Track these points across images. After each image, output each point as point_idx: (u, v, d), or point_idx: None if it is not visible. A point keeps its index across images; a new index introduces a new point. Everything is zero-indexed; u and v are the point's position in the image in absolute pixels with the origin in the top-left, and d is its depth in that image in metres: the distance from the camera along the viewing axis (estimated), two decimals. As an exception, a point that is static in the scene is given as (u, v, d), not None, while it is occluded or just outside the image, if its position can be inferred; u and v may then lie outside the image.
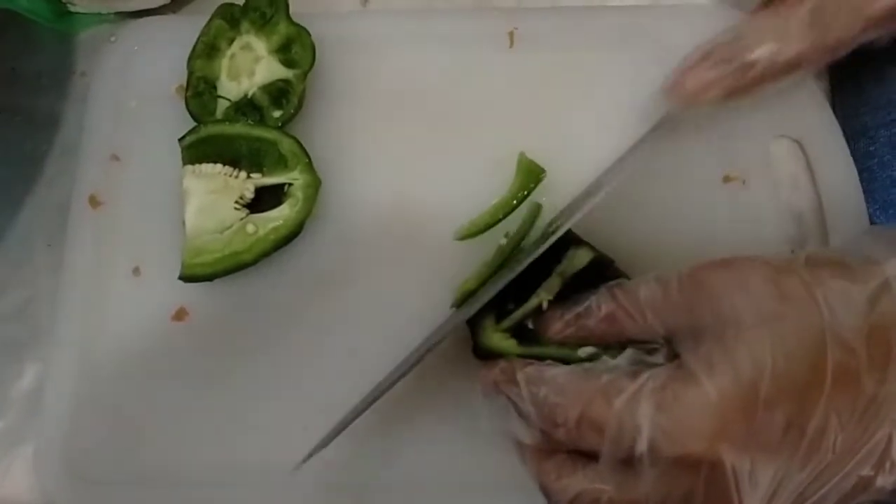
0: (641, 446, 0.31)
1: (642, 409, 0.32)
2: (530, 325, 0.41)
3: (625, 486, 0.33)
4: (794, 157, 0.49)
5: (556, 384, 0.35)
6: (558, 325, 0.39)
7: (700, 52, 0.45)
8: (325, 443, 0.40)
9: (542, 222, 0.47)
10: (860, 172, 0.48)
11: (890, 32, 0.42)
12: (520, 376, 0.36)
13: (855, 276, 0.32)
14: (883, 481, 0.31)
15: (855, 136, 0.49)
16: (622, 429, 0.32)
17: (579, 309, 0.38)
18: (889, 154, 0.48)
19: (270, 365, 0.46)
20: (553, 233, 0.41)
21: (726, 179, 0.48)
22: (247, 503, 0.45)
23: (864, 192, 0.48)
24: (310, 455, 0.40)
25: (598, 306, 0.37)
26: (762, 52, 0.43)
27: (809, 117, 0.49)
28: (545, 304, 0.41)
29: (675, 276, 0.35)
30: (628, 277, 0.41)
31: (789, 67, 0.43)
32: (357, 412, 0.40)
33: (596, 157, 0.48)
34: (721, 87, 0.44)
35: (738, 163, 0.49)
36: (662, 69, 0.48)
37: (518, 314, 0.41)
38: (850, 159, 0.48)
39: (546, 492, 0.36)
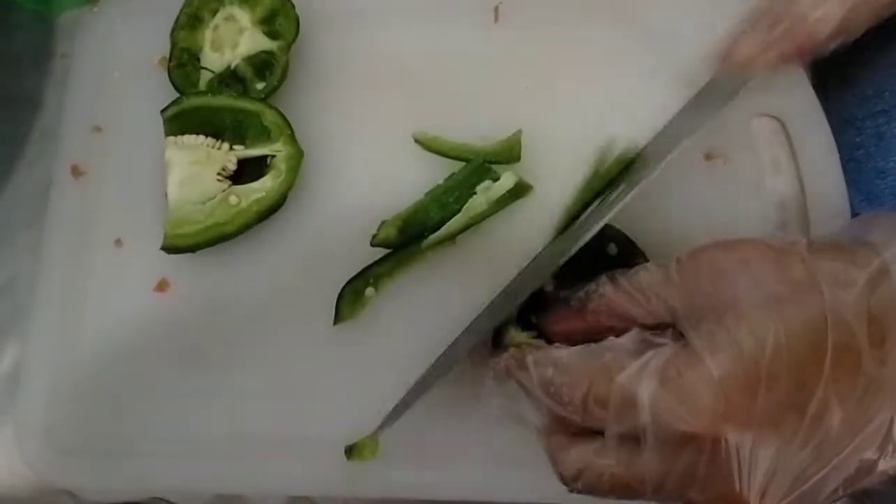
0: (643, 420, 0.32)
1: (645, 384, 0.32)
2: (534, 321, 0.41)
3: (628, 463, 0.33)
4: (775, 136, 0.49)
5: (562, 364, 0.35)
6: (563, 320, 0.39)
7: (749, 18, 0.43)
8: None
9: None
10: (846, 163, 0.48)
11: None
12: (529, 360, 0.37)
13: (855, 260, 0.32)
14: (885, 465, 0.31)
15: (841, 126, 0.49)
16: (625, 404, 0.32)
17: (581, 297, 0.38)
18: (874, 145, 0.48)
19: (251, 337, 0.46)
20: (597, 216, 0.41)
21: (708, 157, 0.49)
22: (228, 475, 0.45)
23: (850, 183, 0.48)
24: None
25: (601, 294, 0.37)
26: (813, 13, 0.41)
27: (791, 95, 0.49)
28: (549, 288, 0.41)
29: (676, 258, 0.35)
30: (636, 244, 0.42)
31: (840, 29, 0.41)
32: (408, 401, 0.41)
33: (581, 132, 0.48)
34: (774, 54, 0.42)
35: (720, 141, 0.49)
36: (647, 44, 0.48)
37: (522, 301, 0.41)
38: (831, 137, 0.48)
39: (554, 464, 0.36)
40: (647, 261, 0.37)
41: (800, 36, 0.42)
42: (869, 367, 0.31)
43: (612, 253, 0.44)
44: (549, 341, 0.39)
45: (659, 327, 0.35)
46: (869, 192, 0.47)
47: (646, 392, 0.32)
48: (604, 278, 0.37)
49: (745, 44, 0.43)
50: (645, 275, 0.35)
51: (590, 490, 0.34)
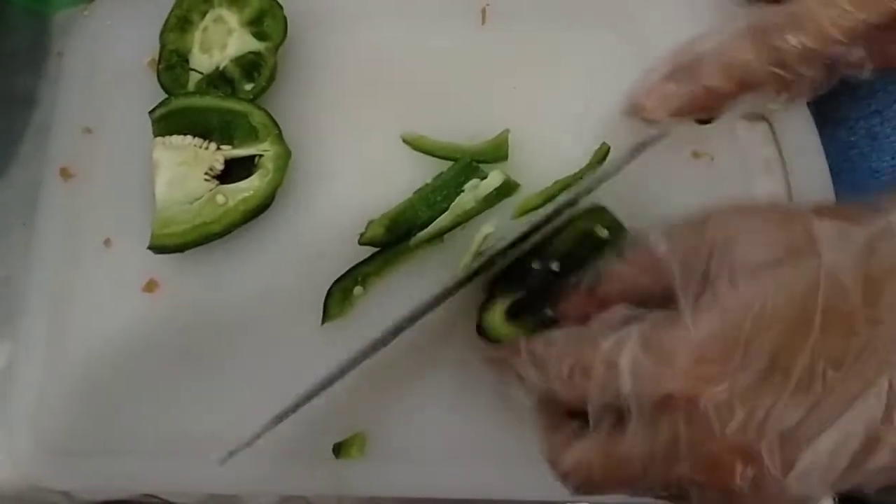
0: (625, 389, 0.31)
1: (627, 350, 0.32)
2: (549, 312, 0.41)
3: (615, 445, 0.33)
4: (762, 135, 0.50)
5: (552, 339, 0.35)
6: (578, 299, 0.38)
7: (659, 67, 0.43)
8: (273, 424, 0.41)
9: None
10: (840, 163, 0.48)
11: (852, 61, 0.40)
12: (522, 345, 0.37)
13: (859, 219, 0.32)
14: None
15: (835, 126, 0.49)
16: (608, 371, 0.32)
17: (590, 276, 0.38)
18: (868, 145, 0.48)
19: (240, 336, 0.46)
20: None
21: (695, 155, 0.49)
22: (218, 473, 0.44)
23: (845, 183, 0.48)
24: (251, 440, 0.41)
25: (610, 269, 0.37)
26: (709, 68, 0.40)
27: (777, 95, 0.50)
28: (555, 267, 0.42)
29: (683, 219, 0.35)
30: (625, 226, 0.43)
31: (743, 86, 0.40)
32: (321, 387, 0.41)
33: (568, 132, 0.49)
34: (673, 106, 0.42)
35: (706, 139, 0.49)
36: (635, 47, 0.49)
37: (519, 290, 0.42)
38: (818, 137, 0.49)
39: (552, 466, 0.36)
40: None
41: (697, 91, 0.41)
42: (862, 329, 0.30)
43: (604, 236, 0.44)
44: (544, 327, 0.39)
45: (666, 296, 0.34)
46: (864, 192, 0.48)
47: (627, 357, 0.32)
48: (609, 254, 0.37)
49: (649, 95, 0.42)
50: (653, 237, 0.35)
51: (586, 485, 0.34)
